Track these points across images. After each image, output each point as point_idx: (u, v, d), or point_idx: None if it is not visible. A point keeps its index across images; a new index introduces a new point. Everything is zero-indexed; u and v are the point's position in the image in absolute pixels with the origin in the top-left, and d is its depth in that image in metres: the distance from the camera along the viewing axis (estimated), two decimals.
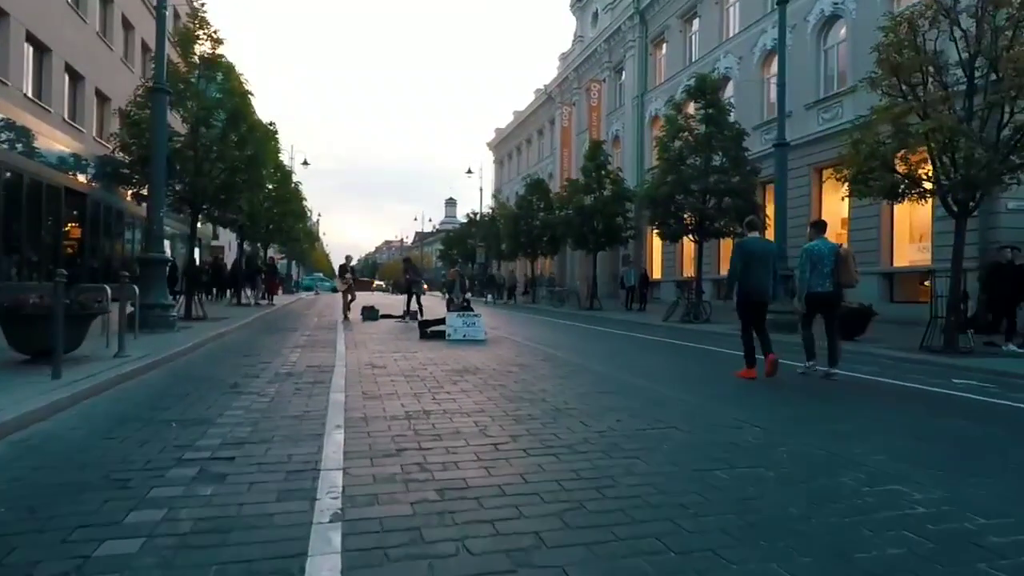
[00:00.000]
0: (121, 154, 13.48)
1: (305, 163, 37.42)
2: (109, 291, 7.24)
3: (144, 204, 13.84)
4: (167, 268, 11.12)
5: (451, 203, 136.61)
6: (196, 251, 34.58)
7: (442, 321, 11.34)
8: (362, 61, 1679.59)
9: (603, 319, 18.46)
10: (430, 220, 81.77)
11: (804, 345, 7.37)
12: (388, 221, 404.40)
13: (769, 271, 6.95)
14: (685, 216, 17.06)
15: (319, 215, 49.49)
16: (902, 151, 9.96)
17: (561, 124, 39.34)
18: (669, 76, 28.49)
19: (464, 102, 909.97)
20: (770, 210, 18.51)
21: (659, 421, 4.60)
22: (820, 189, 19.57)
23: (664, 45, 29.51)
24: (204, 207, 14.12)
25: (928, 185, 10.00)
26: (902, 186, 10.30)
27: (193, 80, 13.32)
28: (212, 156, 13.44)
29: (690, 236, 17.35)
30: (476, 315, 11.06)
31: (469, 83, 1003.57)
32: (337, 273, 16.79)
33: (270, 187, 20.31)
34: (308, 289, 49.37)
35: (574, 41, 39.97)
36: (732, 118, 17.34)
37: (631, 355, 9.52)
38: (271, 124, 14.26)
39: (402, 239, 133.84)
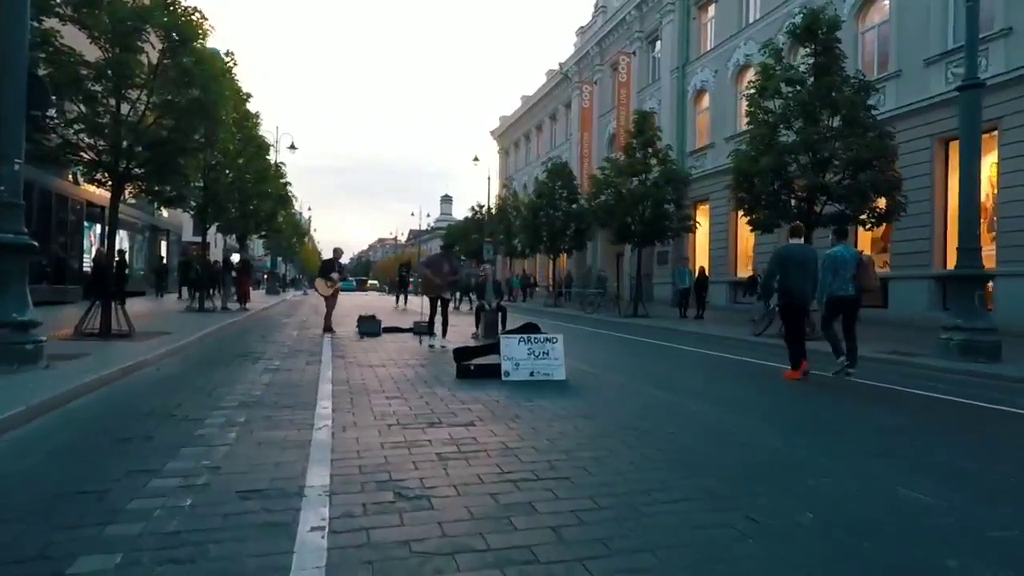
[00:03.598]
0: None
1: (292, 147, 32.99)
2: None
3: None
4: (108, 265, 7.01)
5: (447, 200, 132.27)
6: (163, 244, 30.38)
7: (491, 348, 7.05)
8: (346, 57, 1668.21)
9: (669, 331, 14.20)
10: (428, 215, 77.25)
11: (831, 344, 7.45)
12: (381, 219, 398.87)
13: (809, 276, 7.25)
14: (785, 196, 12.82)
15: (310, 209, 44.71)
16: None
17: (580, 105, 35.08)
18: (719, 42, 24.28)
19: (458, 97, 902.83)
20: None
21: None
22: (945, 166, 15.37)
23: (712, 7, 25.31)
24: (133, 176, 9.77)
25: None
26: None
27: None
28: (138, 96, 9.14)
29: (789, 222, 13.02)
30: (550, 339, 6.75)
31: (463, 78, 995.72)
32: (319, 272, 12.21)
33: (240, 161, 15.91)
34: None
35: (595, 12, 35.72)
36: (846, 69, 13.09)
37: (859, 420, 5.24)
38: (228, 54, 9.85)
39: (396, 236, 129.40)
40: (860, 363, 7.55)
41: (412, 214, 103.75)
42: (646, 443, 4.10)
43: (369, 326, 11.66)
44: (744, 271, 22.62)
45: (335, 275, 11.32)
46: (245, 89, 14.96)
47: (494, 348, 6.99)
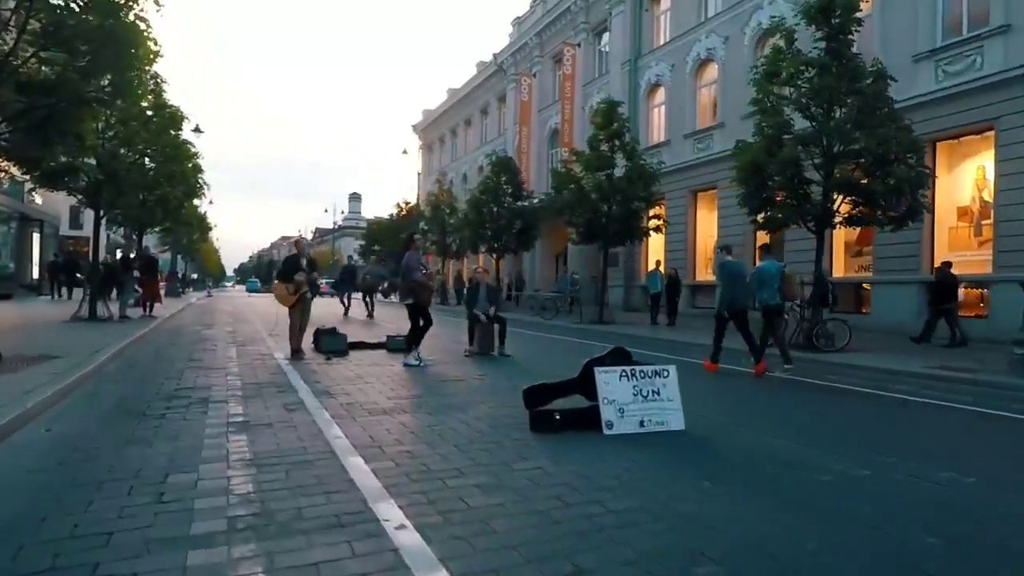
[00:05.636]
0: None
1: (197, 130, 28.83)
2: None
3: None
4: None
5: (355, 198, 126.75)
6: (36, 238, 25.29)
7: (569, 386, 4.98)
8: (240, 45, 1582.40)
9: (664, 342, 12.64)
10: (342, 212, 72.82)
11: (757, 346, 8.29)
12: (284, 217, 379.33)
13: (746, 288, 8.56)
14: (803, 192, 11.62)
15: (211, 202, 39.31)
16: None
17: (519, 98, 33.32)
18: (676, 35, 23.23)
19: (366, 93, 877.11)
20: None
21: None
22: (934, 167, 14.80)
23: None
24: None
25: None
26: None
27: None
28: (9, 19, 6.30)
29: (807, 223, 11.85)
30: (659, 372, 4.79)
31: (366, 71, 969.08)
32: (278, 275, 9.13)
33: (144, 134, 12.69)
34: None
35: (534, 2, 34.08)
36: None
37: None
38: None
39: (301, 234, 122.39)
40: (925, 381, 7.69)
41: (326, 210, 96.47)
42: None
43: (332, 342, 9.17)
44: (704, 274, 21.70)
45: (301, 276, 8.55)
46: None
47: (574, 386, 4.94)
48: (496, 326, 9.50)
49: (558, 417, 4.57)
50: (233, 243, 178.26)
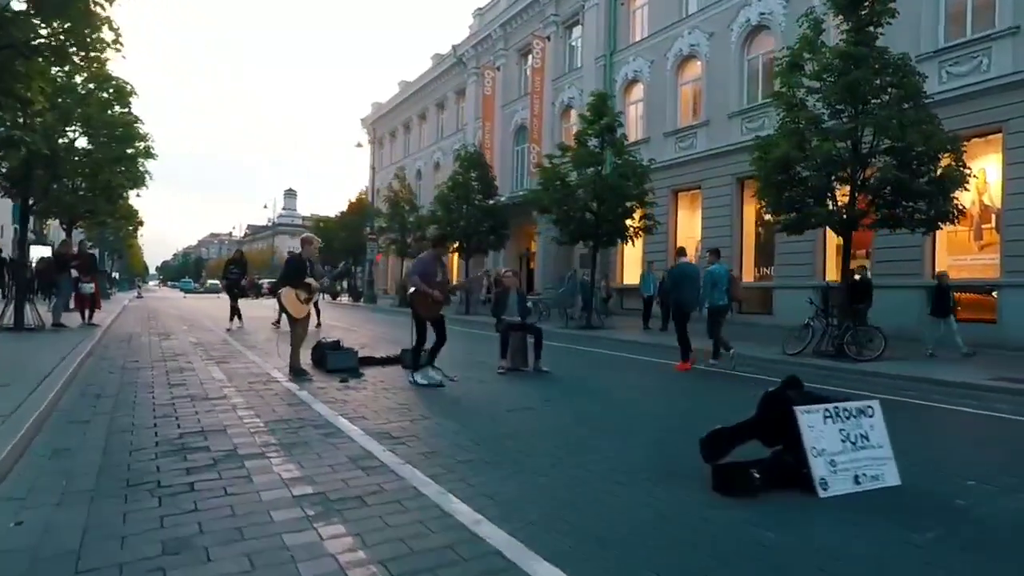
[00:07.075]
0: None
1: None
2: None
3: None
4: None
5: (291, 194, 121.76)
6: None
7: (755, 428, 3.82)
8: (163, 31, 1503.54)
9: (657, 347, 11.69)
10: (284, 210, 69.09)
11: (723, 344, 9.06)
12: (207, 215, 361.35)
13: (696, 288, 9.09)
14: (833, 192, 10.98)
15: (139, 195, 35.74)
16: None
17: (481, 92, 31.98)
18: (655, 31, 22.55)
19: (308, 92, 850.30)
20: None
21: None
22: None
23: None
24: None
25: None
26: None
27: None
28: None
29: (835, 225, 11.21)
30: (863, 409, 3.70)
31: (316, 71, 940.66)
32: (283, 279, 7.41)
33: (79, 109, 10.66)
34: None
35: None
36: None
37: None
38: None
39: (233, 231, 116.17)
40: (1012, 397, 7.09)
41: (265, 206, 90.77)
42: None
43: (341, 359, 7.64)
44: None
45: (312, 281, 7.00)
46: None
47: (753, 428, 3.79)
48: (531, 338, 8.25)
49: (757, 475, 3.40)
50: (154, 240, 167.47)
